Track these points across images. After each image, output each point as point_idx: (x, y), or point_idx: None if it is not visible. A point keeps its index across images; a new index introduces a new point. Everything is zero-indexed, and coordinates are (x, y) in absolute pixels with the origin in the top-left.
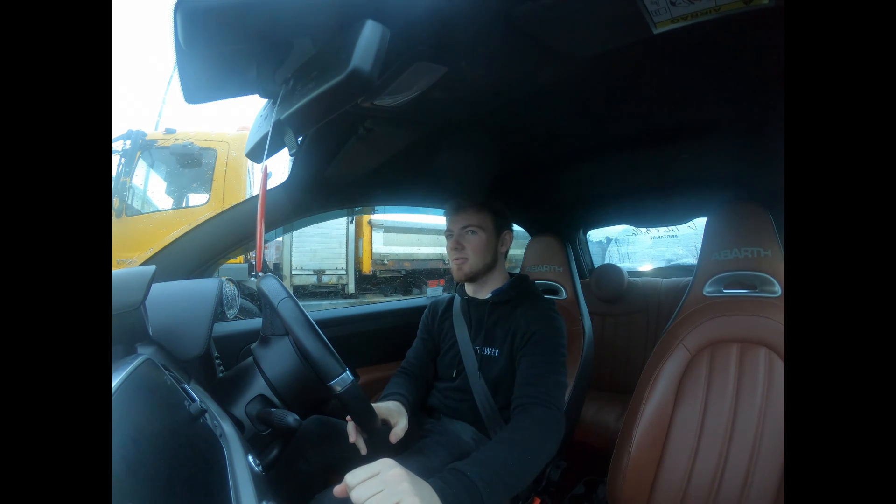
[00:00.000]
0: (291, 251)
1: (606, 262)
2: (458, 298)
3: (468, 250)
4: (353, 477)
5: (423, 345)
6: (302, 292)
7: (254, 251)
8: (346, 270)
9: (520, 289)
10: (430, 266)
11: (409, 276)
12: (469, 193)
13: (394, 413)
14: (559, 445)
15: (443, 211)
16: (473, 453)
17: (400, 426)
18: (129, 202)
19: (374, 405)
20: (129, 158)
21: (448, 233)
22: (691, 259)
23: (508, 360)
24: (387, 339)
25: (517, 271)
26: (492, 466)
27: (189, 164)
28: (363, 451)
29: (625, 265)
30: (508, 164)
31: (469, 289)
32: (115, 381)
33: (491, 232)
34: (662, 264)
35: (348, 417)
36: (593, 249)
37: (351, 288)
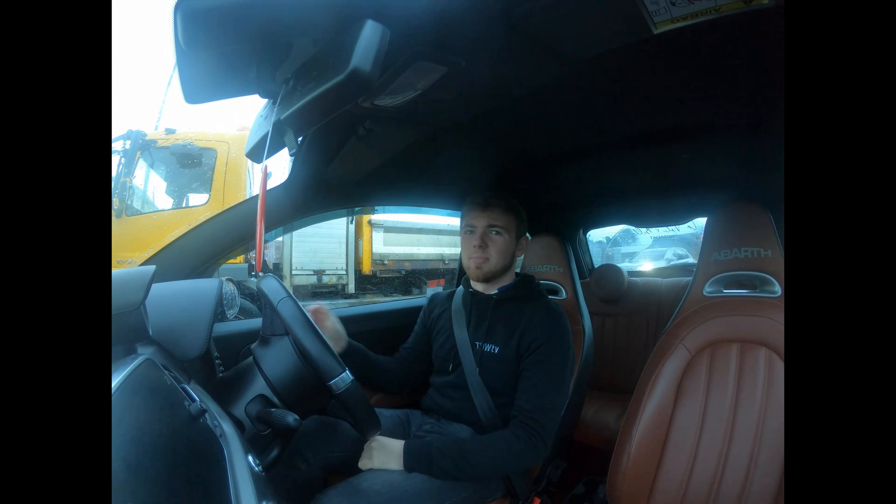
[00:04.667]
0: (291, 251)
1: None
2: (460, 290)
3: (492, 251)
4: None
5: (416, 338)
6: (302, 292)
7: (254, 251)
8: (346, 270)
9: (527, 289)
10: (430, 266)
11: (409, 276)
12: (494, 190)
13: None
14: (532, 465)
15: (443, 211)
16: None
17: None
18: (129, 202)
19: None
20: (129, 158)
21: (469, 228)
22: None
23: (511, 359)
24: (387, 339)
25: (517, 270)
26: (451, 444)
27: (189, 164)
28: None
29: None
30: (508, 164)
31: (476, 284)
32: (115, 382)
33: (513, 235)
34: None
35: None
36: (594, 250)
37: (351, 288)
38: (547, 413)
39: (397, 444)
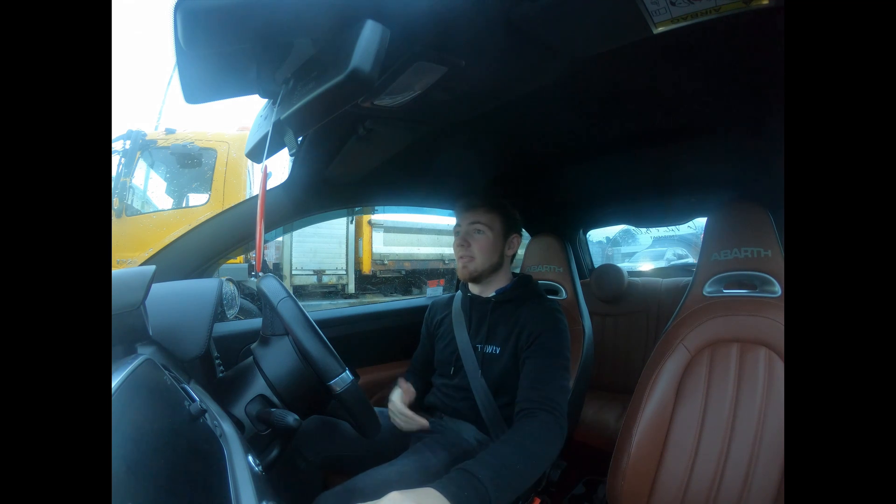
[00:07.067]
0: (291, 251)
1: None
2: (459, 295)
3: (474, 249)
4: None
5: (423, 347)
6: (302, 292)
7: (254, 251)
8: (346, 270)
9: (524, 288)
10: (430, 266)
11: (409, 276)
12: (480, 192)
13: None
14: (560, 450)
15: (443, 211)
16: (481, 454)
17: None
18: (129, 202)
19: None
20: (129, 158)
21: (456, 229)
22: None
23: (511, 359)
24: (387, 339)
25: (517, 271)
26: (501, 469)
27: (189, 164)
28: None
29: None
30: (508, 164)
31: (473, 287)
32: (115, 381)
33: (499, 233)
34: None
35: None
36: (594, 250)
37: (351, 288)
38: (563, 393)
39: (435, 495)
